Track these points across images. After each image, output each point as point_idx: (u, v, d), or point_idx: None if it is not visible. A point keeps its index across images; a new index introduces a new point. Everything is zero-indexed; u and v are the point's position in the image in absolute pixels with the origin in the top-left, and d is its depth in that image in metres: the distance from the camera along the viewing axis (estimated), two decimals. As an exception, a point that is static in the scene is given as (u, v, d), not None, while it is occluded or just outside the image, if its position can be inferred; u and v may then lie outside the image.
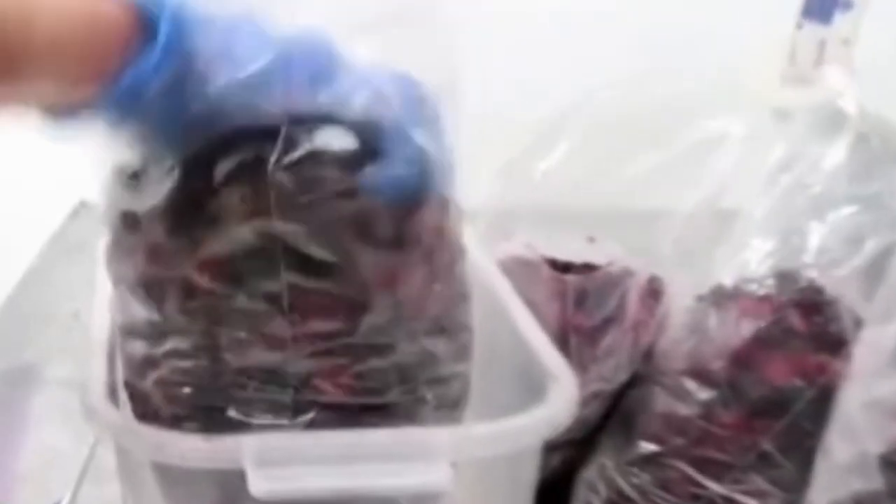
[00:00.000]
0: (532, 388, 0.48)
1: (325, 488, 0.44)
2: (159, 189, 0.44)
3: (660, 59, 1.80)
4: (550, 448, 0.60)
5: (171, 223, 0.45)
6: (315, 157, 0.45)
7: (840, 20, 1.33)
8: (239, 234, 0.44)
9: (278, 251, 0.44)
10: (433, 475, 0.43)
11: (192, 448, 0.45)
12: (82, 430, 0.88)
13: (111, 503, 0.60)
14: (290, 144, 0.45)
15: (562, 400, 0.47)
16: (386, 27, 0.47)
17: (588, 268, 0.72)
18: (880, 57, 1.35)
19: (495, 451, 0.45)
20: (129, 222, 0.46)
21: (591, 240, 0.72)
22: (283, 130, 0.46)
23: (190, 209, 0.44)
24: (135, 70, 0.41)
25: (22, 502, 0.83)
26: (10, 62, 0.39)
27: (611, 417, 0.71)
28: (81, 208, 1.41)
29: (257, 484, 0.44)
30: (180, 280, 0.45)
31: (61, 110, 0.43)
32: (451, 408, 0.48)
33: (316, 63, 0.45)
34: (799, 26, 1.32)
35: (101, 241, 0.56)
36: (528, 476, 0.48)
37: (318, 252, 0.45)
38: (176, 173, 0.44)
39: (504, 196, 0.68)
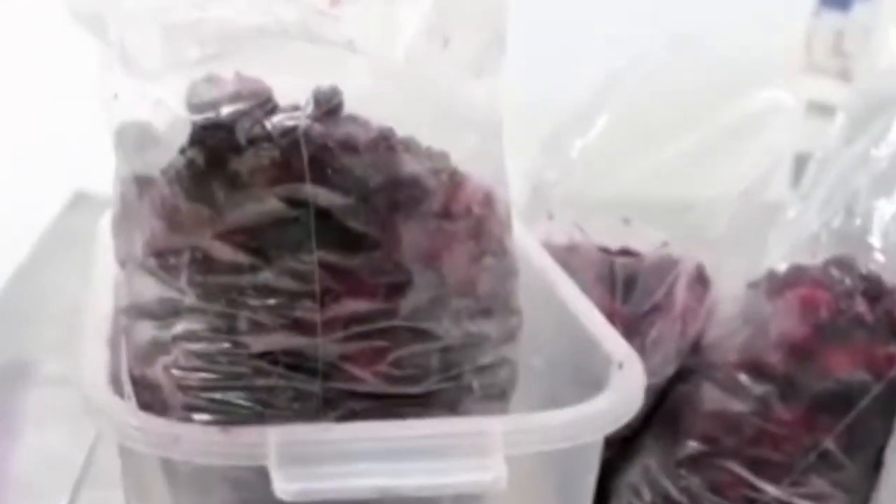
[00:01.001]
0: (590, 375, 0.43)
1: (361, 488, 0.38)
2: (176, 149, 0.39)
3: (682, 44, 1.77)
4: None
5: (189, 186, 0.39)
6: (354, 116, 0.40)
7: (860, 7, 1.30)
8: (266, 201, 0.39)
9: (310, 221, 0.39)
10: (487, 472, 0.37)
11: (209, 442, 0.40)
12: (80, 430, 0.83)
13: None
14: (326, 98, 0.39)
15: (627, 387, 0.41)
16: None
17: (626, 252, 0.67)
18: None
19: (555, 445, 0.40)
20: (141, 187, 0.41)
21: (627, 222, 0.67)
22: (315, 87, 0.41)
23: (211, 171, 0.39)
24: None
25: (16, 508, 0.78)
26: None
27: (656, 415, 0.65)
28: (79, 199, 1.37)
29: (283, 484, 0.39)
30: (198, 251, 0.40)
31: None
32: (498, 398, 0.43)
33: None
34: (816, 15, 1.28)
35: (104, 219, 0.51)
36: (589, 476, 0.43)
37: (356, 223, 0.39)
38: (197, 130, 0.39)
39: (543, 174, 0.63)
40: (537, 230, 0.58)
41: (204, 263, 0.40)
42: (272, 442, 0.39)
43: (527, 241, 0.51)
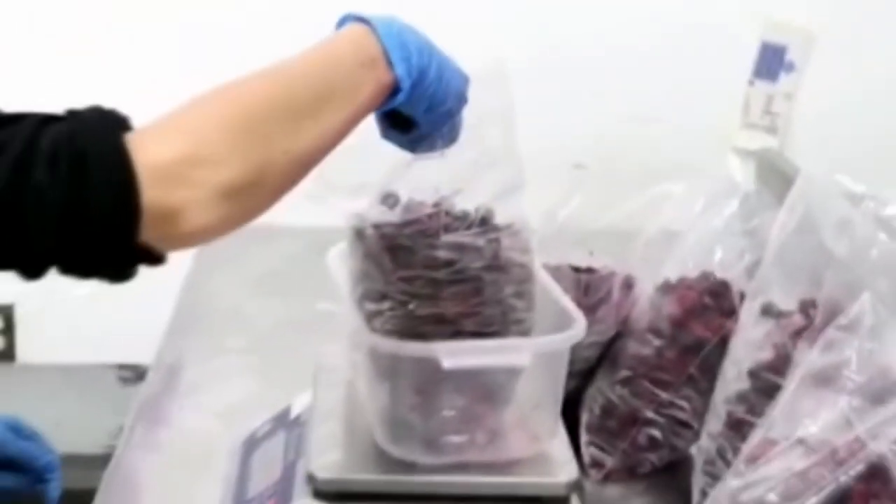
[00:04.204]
0: (561, 325, 0.97)
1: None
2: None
3: (642, 106, 2.30)
4: (568, 375, 1.10)
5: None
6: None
7: (784, 78, 1.65)
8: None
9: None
10: (522, 358, 0.92)
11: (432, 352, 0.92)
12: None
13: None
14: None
15: (578, 329, 0.96)
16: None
17: (589, 270, 1.22)
18: (816, 108, 1.78)
19: (555, 349, 0.95)
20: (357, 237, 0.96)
21: (591, 253, 1.22)
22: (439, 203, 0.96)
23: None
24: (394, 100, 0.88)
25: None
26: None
27: (603, 358, 1.21)
28: None
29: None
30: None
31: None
32: (525, 333, 0.97)
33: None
34: (751, 83, 1.64)
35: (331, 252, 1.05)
36: (563, 370, 0.98)
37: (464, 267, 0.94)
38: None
39: (542, 230, 1.18)
40: (541, 258, 1.13)
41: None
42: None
43: (537, 264, 1.05)
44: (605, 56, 2.36)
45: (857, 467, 0.82)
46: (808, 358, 0.89)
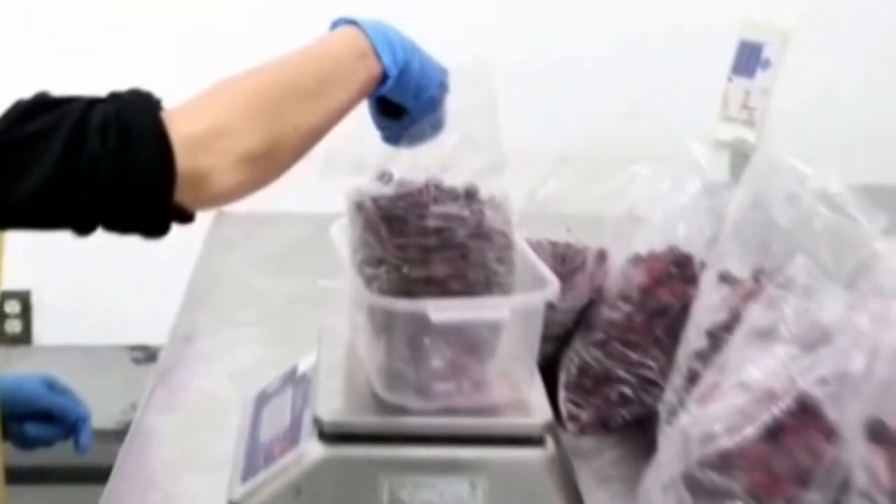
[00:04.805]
0: (537, 285, 1.10)
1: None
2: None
3: (628, 102, 2.43)
4: (547, 340, 1.24)
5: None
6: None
7: (761, 75, 1.70)
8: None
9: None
10: (502, 313, 1.06)
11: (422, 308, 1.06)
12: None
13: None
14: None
15: (554, 287, 1.09)
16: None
17: (567, 245, 1.35)
18: (791, 102, 1.90)
19: (531, 306, 1.08)
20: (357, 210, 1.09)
21: (569, 230, 1.35)
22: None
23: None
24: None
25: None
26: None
27: (579, 323, 1.34)
28: (220, 215, 1.96)
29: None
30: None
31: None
32: (507, 292, 1.10)
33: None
34: (730, 80, 1.71)
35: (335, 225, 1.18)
36: (539, 324, 1.11)
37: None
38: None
39: (523, 207, 1.31)
40: (522, 233, 1.26)
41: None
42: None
43: (518, 237, 1.18)
44: (593, 56, 2.50)
45: (788, 403, 0.95)
46: (752, 313, 1.02)
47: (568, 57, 2.50)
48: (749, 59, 1.73)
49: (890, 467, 0.91)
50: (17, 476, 1.91)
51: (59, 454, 2.14)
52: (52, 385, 1.30)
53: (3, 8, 2.44)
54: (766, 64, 1.71)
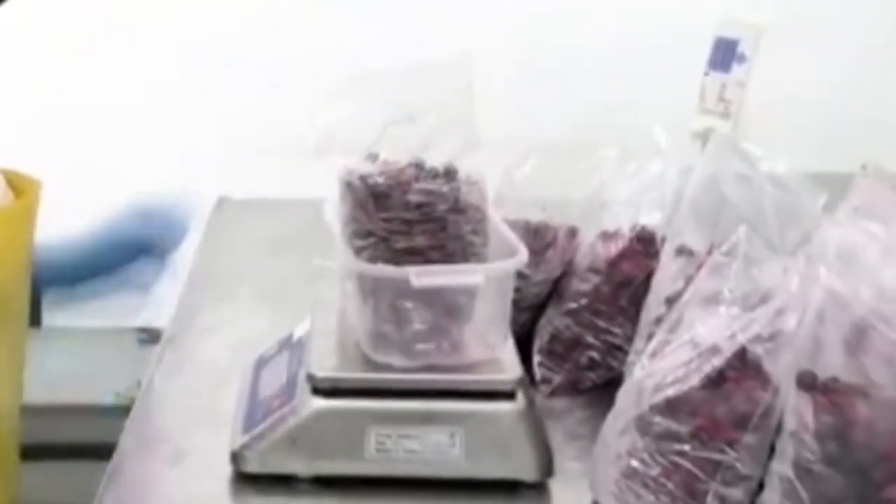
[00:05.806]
0: (509, 255, 1.22)
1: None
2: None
3: (611, 96, 2.54)
4: (523, 309, 1.36)
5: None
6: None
7: (736, 69, 1.77)
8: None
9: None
10: (476, 278, 1.18)
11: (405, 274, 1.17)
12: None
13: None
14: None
15: (523, 256, 1.21)
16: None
17: (541, 223, 1.47)
18: (765, 95, 2.00)
19: (503, 273, 1.20)
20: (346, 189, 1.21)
21: (544, 209, 1.48)
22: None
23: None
24: None
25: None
26: None
27: (552, 292, 1.46)
28: (222, 202, 2.09)
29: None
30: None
31: None
32: (482, 261, 1.22)
33: None
34: (706, 73, 1.76)
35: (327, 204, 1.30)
36: (510, 289, 1.23)
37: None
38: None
39: (501, 188, 1.43)
40: (498, 212, 1.38)
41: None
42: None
43: (493, 214, 1.30)
44: (577, 52, 2.61)
45: (729, 357, 1.07)
46: (699, 279, 1.14)
47: (550, 52, 2.61)
48: (725, 53, 1.80)
49: (815, 412, 1.03)
50: (31, 453, 2.03)
51: (71, 430, 2.26)
52: None
53: (3, 8, 2.50)
54: (742, 58, 1.77)
